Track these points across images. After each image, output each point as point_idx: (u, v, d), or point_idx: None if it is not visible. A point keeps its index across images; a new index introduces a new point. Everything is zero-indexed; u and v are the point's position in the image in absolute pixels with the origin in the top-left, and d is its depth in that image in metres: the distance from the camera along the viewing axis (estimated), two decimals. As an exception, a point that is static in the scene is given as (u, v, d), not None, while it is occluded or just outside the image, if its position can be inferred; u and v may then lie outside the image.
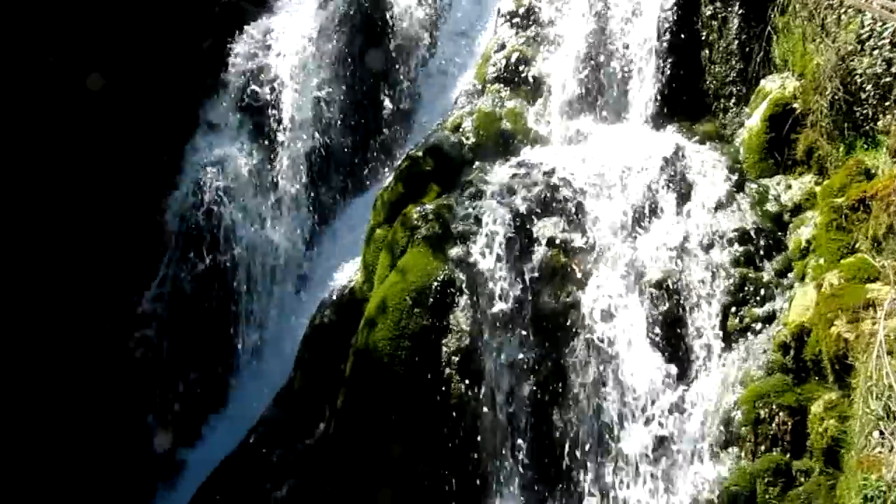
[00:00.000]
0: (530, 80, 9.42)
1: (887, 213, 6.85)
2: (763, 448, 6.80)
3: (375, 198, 9.15)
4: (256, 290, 10.61)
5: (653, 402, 7.33)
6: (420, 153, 8.90)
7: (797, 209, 7.90)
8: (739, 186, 8.11)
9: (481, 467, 7.55)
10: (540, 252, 7.90)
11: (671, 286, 7.61)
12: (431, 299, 7.80)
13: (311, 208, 10.84)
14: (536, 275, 7.81)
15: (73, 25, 10.73)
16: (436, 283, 7.83)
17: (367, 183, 10.78)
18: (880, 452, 5.69)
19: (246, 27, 11.37)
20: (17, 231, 10.16)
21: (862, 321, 6.39)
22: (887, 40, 7.42)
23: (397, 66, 11.08)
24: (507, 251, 7.89)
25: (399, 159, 9.72)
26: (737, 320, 7.46)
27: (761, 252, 7.71)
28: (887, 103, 7.45)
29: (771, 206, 7.95)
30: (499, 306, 7.76)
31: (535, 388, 7.60)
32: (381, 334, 7.83)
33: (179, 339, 10.36)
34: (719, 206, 7.99)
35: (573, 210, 8.09)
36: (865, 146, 7.57)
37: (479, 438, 7.57)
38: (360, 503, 7.75)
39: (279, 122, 10.89)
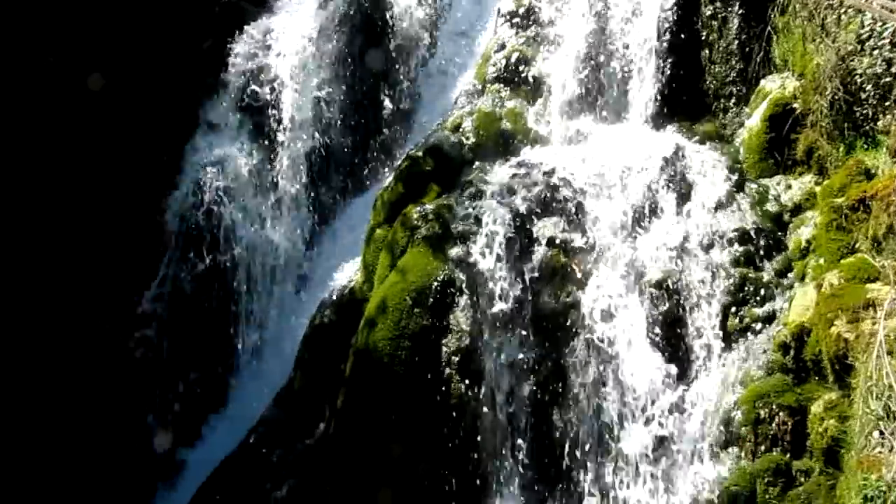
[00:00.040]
0: (530, 80, 9.42)
1: (887, 213, 6.85)
2: (763, 448, 6.80)
3: (375, 198, 9.15)
4: (256, 290, 10.61)
5: (653, 403, 7.33)
6: (420, 153, 8.90)
7: (797, 209, 7.90)
8: (739, 186, 8.11)
9: (481, 467, 7.55)
10: (540, 252, 7.90)
11: (671, 286, 7.61)
12: (431, 299, 7.80)
13: (311, 208, 10.84)
14: (536, 275, 7.81)
15: (74, 25, 10.70)
16: (436, 283, 7.83)
17: (367, 183, 10.78)
18: (880, 452, 5.69)
19: (246, 27, 11.36)
20: (18, 231, 10.15)
21: (862, 321, 6.39)
22: (887, 40, 7.42)
23: (397, 66, 11.08)
24: (507, 251, 7.88)
25: (399, 159, 9.72)
26: (737, 320, 7.46)
27: (761, 252, 7.71)
28: (887, 103, 7.44)
29: (771, 206, 7.95)
30: (499, 306, 7.76)
31: (535, 388, 7.60)
32: (381, 334, 7.83)
33: (179, 339, 10.36)
34: (719, 206, 7.99)
35: (573, 210, 8.09)
36: (865, 146, 7.57)
37: (479, 438, 7.57)
38: (360, 503, 7.75)
39: (279, 121, 10.90)
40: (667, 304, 7.60)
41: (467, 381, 7.62)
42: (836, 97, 7.67)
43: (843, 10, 7.76)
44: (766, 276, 7.58)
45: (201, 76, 11.14)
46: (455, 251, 7.95)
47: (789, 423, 6.74)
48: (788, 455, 6.72)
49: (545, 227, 8.02)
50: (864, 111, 7.60)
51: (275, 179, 10.82)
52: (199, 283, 10.48)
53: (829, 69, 7.68)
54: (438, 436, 7.56)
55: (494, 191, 8.31)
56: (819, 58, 7.84)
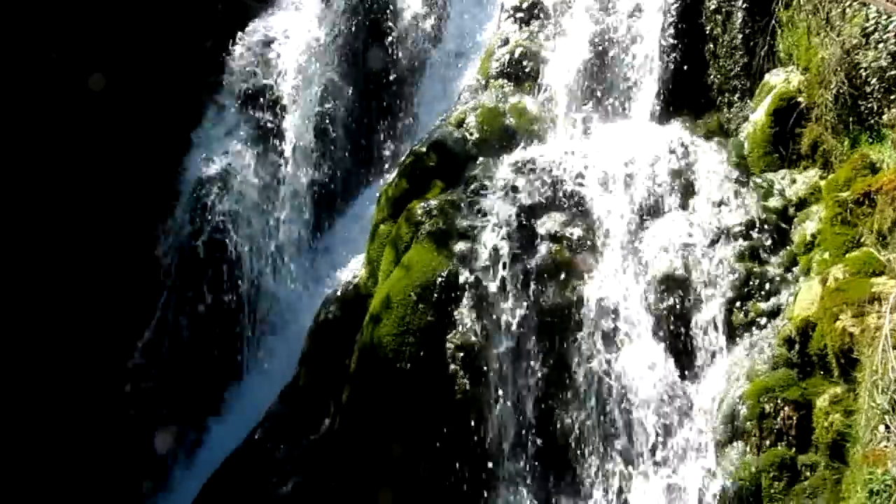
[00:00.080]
0: (534, 75, 9.40)
1: (892, 207, 6.84)
2: (768, 442, 6.79)
3: (379, 194, 9.15)
4: (260, 286, 10.57)
5: (658, 397, 7.32)
6: (424, 149, 8.90)
7: (802, 203, 7.89)
8: (744, 181, 8.09)
9: (486, 463, 7.55)
10: (544, 247, 7.89)
11: (676, 281, 7.60)
12: (436, 295, 7.80)
13: (315, 203, 10.81)
14: (541, 269, 7.81)
15: (77, 22, 10.63)
16: (440, 279, 7.83)
17: (371, 178, 10.77)
18: (886, 447, 5.68)
19: (249, 24, 11.33)
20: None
21: (867, 315, 6.38)
22: (892, 33, 7.40)
23: (401, 60, 11.06)
24: (511, 247, 7.88)
25: (403, 155, 9.71)
26: (742, 315, 7.45)
27: (766, 246, 7.70)
28: (892, 97, 7.43)
29: (776, 201, 7.94)
30: (503, 302, 7.75)
31: (539, 383, 7.60)
32: (386, 330, 7.84)
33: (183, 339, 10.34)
34: (724, 201, 7.98)
35: (577, 205, 8.09)
36: (870, 140, 7.55)
37: (483, 434, 7.57)
38: (365, 499, 7.75)
39: (283, 118, 10.87)
40: (671, 299, 7.60)
41: (472, 377, 7.62)
42: (841, 91, 7.65)
43: (847, 4, 7.74)
44: (770, 271, 7.57)
45: (203, 75, 11.09)
46: (459, 247, 7.95)
47: (794, 418, 6.74)
48: (794, 449, 6.71)
49: (549, 223, 8.01)
50: (869, 105, 7.58)
51: (279, 175, 10.79)
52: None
53: (833, 63, 7.66)
54: (443, 432, 7.56)
55: (498, 186, 8.30)
56: (824, 51, 7.82)
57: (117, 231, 10.35)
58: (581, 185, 8.18)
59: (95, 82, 10.44)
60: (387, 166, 10.53)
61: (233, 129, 11.03)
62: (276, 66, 11.04)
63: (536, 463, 7.55)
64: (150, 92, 10.78)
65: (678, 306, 7.58)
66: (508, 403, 7.59)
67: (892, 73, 7.41)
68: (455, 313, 7.77)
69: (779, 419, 6.79)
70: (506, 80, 9.45)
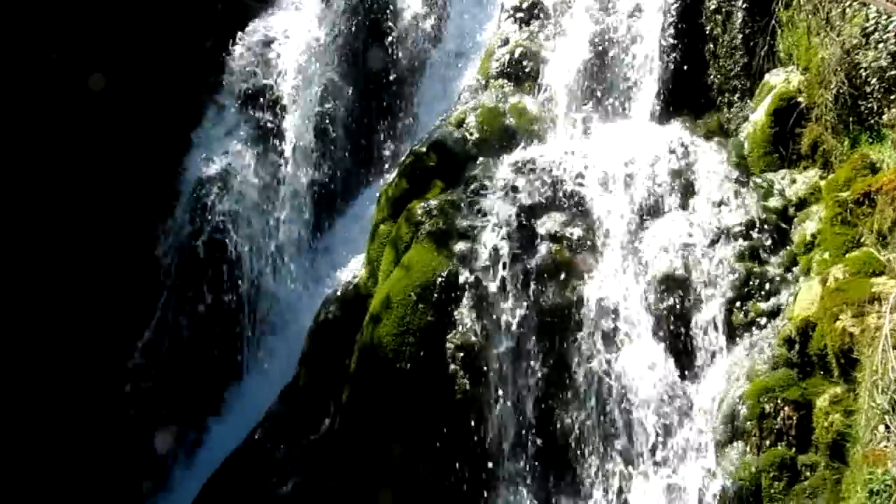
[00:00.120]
0: (534, 75, 9.40)
1: (892, 207, 6.84)
2: (768, 442, 6.79)
3: (379, 194, 9.15)
4: (260, 287, 10.56)
5: (658, 397, 7.32)
6: (424, 149, 8.89)
7: (802, 203, 7.89)
8: (744, 181, 8.09)
9: (486, 463, 7.55)
10: (544, 247, 7.89)
11: (676, 281, 7.60)
12: (436, 295, 7.80)
13: (315, 203, 10.80)
14: (541, 269, 7.80)
15: (77, 22, 10.62)
16: (440, 279, 7.83)
17: (371, 178, 10.76)
18: (886, 447, 5.68)
19: (249, 24, 11.33)
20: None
21: (867, 315, 6.38)
22: (892, 33, 7.40)
23: (401, 60, 11.05)
24: (511, 246, 7.88)
25: (403, 155, 9.70)
26: (742, 315, 7.45)
27: (766, 246, 7.70)
28: (892, 97, 7.43)
29: (776, 201, 7.93)
30: (503, 302, 7.75)
31: (539, 383, 7.60)
32: (386, 330, 7.84)
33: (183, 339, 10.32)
34: (724, 201, 7.98)
35: (577, 205, 8.09)
36: (870, 140, 7.55)
37: (483, 434, 7.57)
38: (365, 499, 7.75)
39: (282, 115, 10.86)
40: (671, 299, 7.60)
41: (472, 377, 7.62)
42: (841, 91, 7.65)
43: (847, 4, 7.74)
44: (770, 271, 7.57)
45: (203, 75, 11.08)
46: (459, 247, 7.95)
47: (794, 418, 6.74)
48: (794, 449, 6.71)
49: (549, 223, 8.01)
50: (869, 105, 7.58)
51: (279, 175, 10.78)
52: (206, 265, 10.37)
53: (833, 63, 7.66)
54: (443, 432, 7.56)
55: (498, 186, 8.30)
56: (824, 51, 7.82)
57: (117, 231, 10.34)
58: (581, 185, 8.18)
59: (95, 82, 10.42)
60: (387, 166, 10.53)
61: (233, 129, 11.02)
62: (276, 66, 11.04)
63: (536, 463, 7.55)
64: (150, 92, 10.76)
65: (678, 306, 7.58)
66: (508, 403, 7.59)
67: (892, 73, 7.41)
68: (455, 313, 7.77)
69: (779, 419, 6.79)
70: (506, 80, 9.44)
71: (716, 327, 7.48)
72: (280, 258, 10.66)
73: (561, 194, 8.14)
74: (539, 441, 7.53)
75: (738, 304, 7.50)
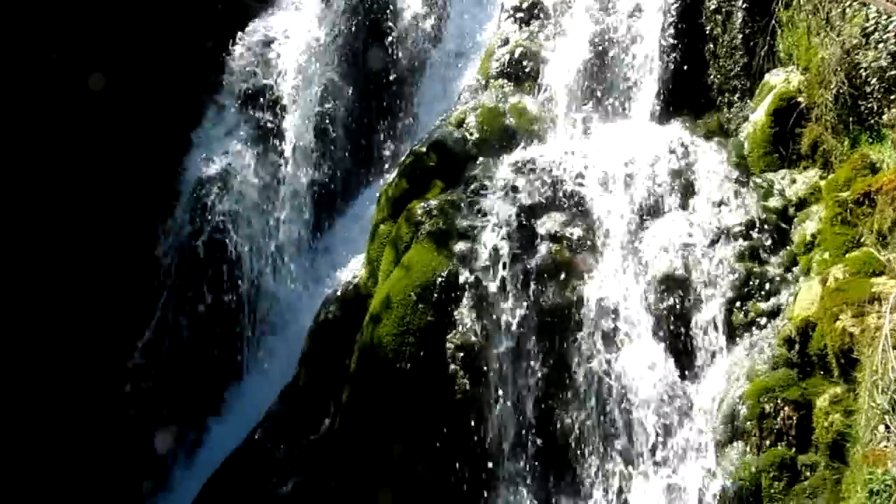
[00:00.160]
0: (534, 75, 9.40)
1: (892, 207, 6.85)
2: (768, 442, 6.79)
3: (379, 194, 9.15)
4: (260, 287, 10.55)
5: (658, 397, 7.32)
6: (424, 149, 8.89)
7: (802, 203, 7.89)
8: (744, 181, 8.09)
9: (486, 463, 7.55)
10: (544, 247, 7.89)
11: (676, 281, 7.60)
12: (436, 295, 7.80)
13: (315, 204, 10.79)
14: (541, 269, 7.80)
15: (77, 22, 10.61)
16: (440, 279, 7.83)
17: (371, 179, 10.76)
18: (886, 447, 5.68)
19: (249, 24, 11.32)
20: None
21: (867, 315, 6.38)
22: (892, 34, 7.40)
23: (401, 60, 11.05)
24: (511, 246, 7.88)
25: (403, 155, 9.70)
26: (742, 315, 7.45)
27: (766, 246, 7.70)
28: (892, 97, 7.43)
29: (776, 201, 7.93)
30: (503, 302, 7.75)
31: (539, 383, 7.60)
32: (386, 330, 7.84)
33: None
34: (724, 201, 7.98)
35: (577, 205, 8.09)
36: (870, 140, 7.55)
37: (483, 434, 7.57)
38: (365, 499, 7.75)
39: (282, 115, 10.85)
40: (671, 299, 7.60)
41: (472, 377, 7.62)
42: (841, 91, 7.65)
43: (847, 4, 7.74)
44: (770, 271, 7.57)
45: (203, 75, 11.06)
46: (459, 247, 7.95)
47: (794, 418, 6.74)
48: (793, 449, 6.71)
49: (549, 223, 8.01)
50: (869, 105, 7.58)
51: (279, 175, 10.77)
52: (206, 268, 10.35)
53: (833, 63, 7.66)
54: (443, 432, 7.56)
55: (498, 186, 8.30)
56: (824, 51, 7.82)
57: (118, 230, 10.33)
58: (581, 185, 8.18)
59: (95, 82, 10.40)
60: (387, 166, 10.53)
61: (233, 129, 11.01)
62: (277, 65, 11.03)
63: (536, 463, 7.55)
64: (151, 92, 10.75)
65: (678, 306, 7.58)
66: (508, 403, 7.59)
67: (892, 73, 7.41)
68: (455, 313, 7.77)
69: (779, 419, 6.79)
70: (506, 80, 9.44)
71: (716, 327, 7.48)
72: (280, 258, 10.65)
73: (561, 194, 8.14)
74: (539, 441, 7.53)
75: (738, 304, 7.50)
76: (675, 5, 8.94)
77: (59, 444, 9.67)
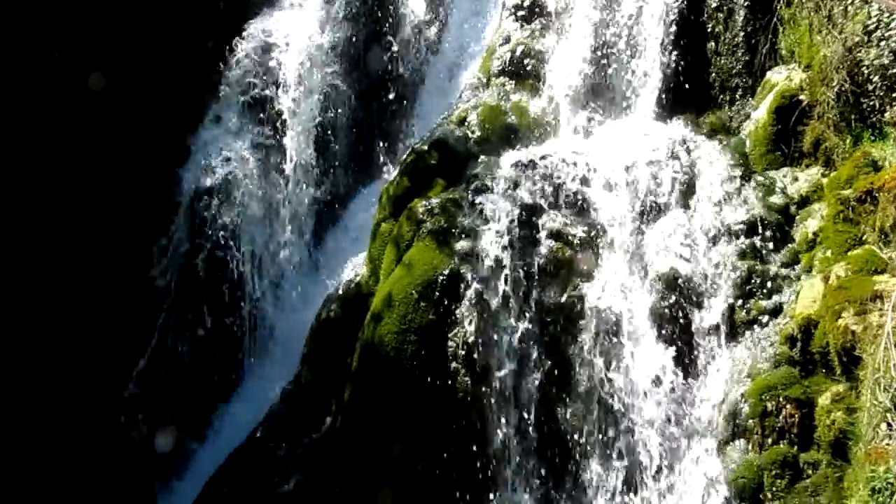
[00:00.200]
0: (536, 73, 9.39)
1: (894, 205, 6.83)
2: (770, 440, 6.79)
3: (381, 192, 9.14)
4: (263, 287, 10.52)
5: (659, 396, 7.32)
6: (425, 147, 8.89)
7: (804, 201, 7.88)
8: (746, 179, 8.08)
9: (487, 462, 7.55)
10: (546, 245, 7.89)
11: (678, 279, 7.59)
12: (437, 293, 7.80)
13: (317, 203, 10.78)
14: (542, 268, 7.80)
15: (79, 20, 10.56)
16: (441, 277, 7.82)
17: (373, 177, 10.74)
18: (888, 444, 5.68)
19: (250, 22, 11.29)
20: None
21: (869, 313, 6.38)
22: (894, 31, 7.39)
23: (403, 60, 11.03)
24: (512, 245, 7.87)
25: (404, 153, 9.69)
26: (744, 313, 7.44)
27: (768, 244, 7.69)
28: (894, 94, 7.42)
29: (778, 199, 7.92)
30: (505, 300, 7.75)
31: (541, 381, 7.59)
32: (387, 328, 7.83)
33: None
34: (726, 199, 7.97)
35: (579, 203, 8.08)
36: (872, 138, 7.54)
37: (485, 432, 7.56)
38: (366, 498, 7.75)
39: (283, 116, 10.83)
40: (673, 298, 7.59)
41: (474, 375, 7.61)
42: (843, 89, 7.64)
43: (849, 1, 7.74)
44: (772, 269, 7.56)
45: (205, 74, 11.02)
46: (461, 245, 7.94)
47: (796, 416, 6.73)
48: (796, 447, 6.71)
49: (551, 221, 8.01)
50: (871, 102, 7.57)
51: (281, 166, 10.71)
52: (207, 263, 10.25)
53: (835, 60, 7.66)
54: (443, 432, 7.55)
55: (500, 184, 8.29)
56: (826, 49, 7.81)
57: (118, 229, 10.23)
58: (583, 183, 8.18)
59: (95, 82, 10.32)
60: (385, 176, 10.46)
61: (234, 131, 10.97)
62: (277, 64, 11.00)
63: (537, 462, 7.54)
64: (151, 92, 10.65)
65: (680, 304, 7.57)
66: (510, 402, 7.58)
67: (894, 70, 7.40)
68: (457, 311, 7.77)
69: (781, 417, 6.79)
70: (507, 79, 9.43)
71: (718, 325, 7.47)
72: (280, 258, 10.63)
73: (562, 193, 8.14)
74: (542, 438, 7.52)
75: (739, 302, 7.49)
76: (677, 4, 8.93)
77: (62, 440, 9.57)
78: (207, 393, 9.95)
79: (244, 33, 11.17)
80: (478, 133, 8.92)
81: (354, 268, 9.05)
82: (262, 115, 10.86)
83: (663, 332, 7.52)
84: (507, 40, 9.64)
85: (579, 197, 8.12)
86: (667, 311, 7.56)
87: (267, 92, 10.89)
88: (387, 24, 11.00)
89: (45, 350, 9.64)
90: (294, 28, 11.14)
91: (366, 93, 11.01)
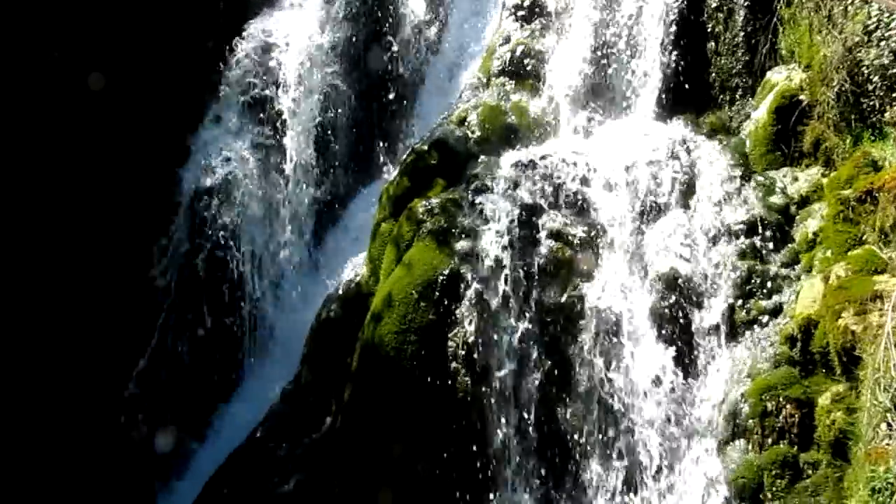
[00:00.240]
0: (535, 73, 9.39)
1: (895, 205, 6.83)
2: (770, 440, 6.79)
3: (381, 192, 9.14)
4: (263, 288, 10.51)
5: (659, 396, 7.31)
6: (425, 147, 8.89)
7: (804, 201, 7.88)
8: (746, 179, 8.08)
9: (487, 462, 7.55)
10: (546, 246, 7.89)
11: (678, 279, 7.59)
12: (437, 293, 7.80)
13: (316, 203, 10.77)
14: (542, 268, 7.80)
15: (79, 20, 10.55)
16: (441, 277, 7.82)
17: (373, 177, 10.74)
18: (888, 444, 5.68)
19: (250, 22, 11.29)
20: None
21: (869, 313, 6.38)
22: (894, 31, 7.39)
23: (403, 60, 11.03)
24: (512, 245, 7.87)
25: (404, 153, 9.69)
26: (744, 313, 7.44)
27: (768, 244, 7.69)
28: (894, 94, 7.42)
29: (778, 199, 7.92)
30: (505, 300, 7.75)
31: (541, 381, 7.59)
32: (388, 328, 7.84)
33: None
34: (726, 199, 7.97)
35: (579, 203, 8.08)
36: (872, 138, 7.54)
37: (485, 432, 7.56)
38: (366, 498, 7.75)
39: (283, 116, 10.82)
40: (673, 298, 7.59)
41: (474, 375, 7.61)
42: (843, 89, 7.64)
43: (849, 1, 7.74)
44: (772, 269, 7.56)
45: (205, 74, 11.00)
46: (461, 245, 7.94)
47: (797, 416, 6.73)
48: (796, 447, 6.71)
49: (551, 221, 8.01)
50: (872, 102, 7.57)
51: (281, 166, 10.70)
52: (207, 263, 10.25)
53: (835, 60, 7.66)
54: (443, 432, 7.55)
55: (500, 185, 8.29)
56: (826, 49, 7.81)
57: (118, 230, 10.21)
58: (583, 183, 8.18)
59: (95, 82, 10.30)
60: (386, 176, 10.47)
61: (234, 131, 10.97)
62: (277, 63, 10.99)
63: (537, 462, 7.54)
64: (151, 92, 10.64)
65: (680, 304, 7.57)
66: (510, 402, 7.58)
67: (894, 70, 7.40)
68: (457, 311, 7.77)
69: (781, 417, 6.79)
70: (507, 78, 9.43)
71: (718, 325, 7.47)
72: (280, 258, 10.62)
73: (562, 192, 8.14)
74: (542, 438, 7.52)
75: (739, 302, 7.49)
76: (677, 3, 8.93)
77: (63, 440, 9.55)
78: (207, 393, 9.98)
79: (244, 33, 11.17)
80: (478, 133, 8.92)
81: (354, 268, 9.06)
82: (262, 115, 10.85)
83: (663, 332, 7.51)
84: (507, 40, 9.64)
85: (579, 197, 8.12)
86: (667, 311, 7.56)
87: (267, 92, 10.88)
88: (387, 24, 10.99)
89: (45, 350, 9.66)
90: (294, 28, 11.12)
91: (366, 93, 11.01)
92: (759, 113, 8.42)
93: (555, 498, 7.49)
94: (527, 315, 7.73)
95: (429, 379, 7.65)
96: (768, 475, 6.71)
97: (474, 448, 7.55)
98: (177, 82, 10.78)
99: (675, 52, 8.87)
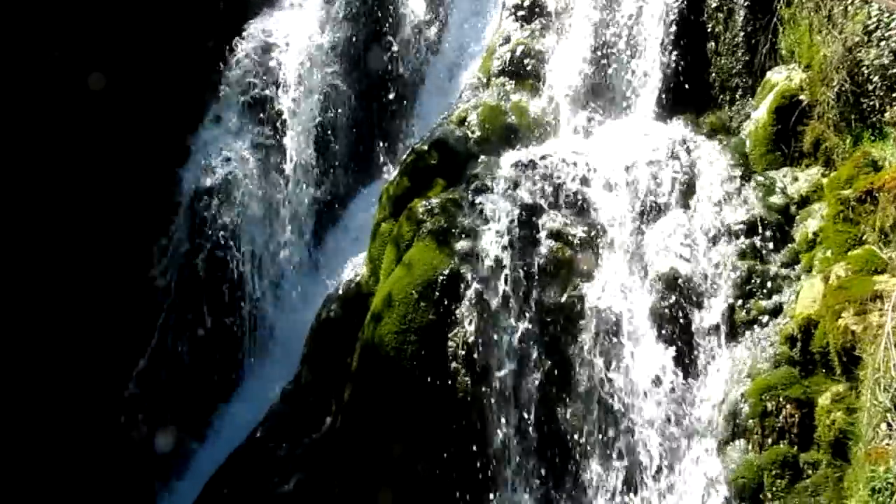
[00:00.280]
0: (535, 73, 9.39)
1: (895, 205, 6.83)
2: (770, 440, 6.79)
3: (381, 192, 9.14)
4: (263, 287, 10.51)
5: (659, 396, 7.31)
6: (425, 147, 8.89)
7: (804, 201, 7.88)
8: (746, 179, 8.08)
9: (487, 462, 7.55)
10: (546, 246, 7.89)
11: (678, 279, 7.59)
12: (437, 293, 7.80)
13: (317, 203, 10.77)
14: (542, 268, 7.80)
15: (80, 20, 10.54)
16: (441, 277, 7.82)
17: (373, 177, 10.74)
18: (888, 444, 5.68)
19: (250, 22, 11.28)
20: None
21: (869, 313, 6.38)
22: (894, 31, 7.39)
23: (403, 60, 11.03)
24: (512, 245, 7.88)
25: (404, 153, 9.69)
26: (743, 313, 7.45)
27: (768, 244, 7.69)
28: (894, 94, 7.42)
29: (778, 199, 7.92)
30: (505, 300, 7.75)
31: (541, 381, 7.59)
32: (387, 328, 7.84)
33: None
34: (726, 199, 7.97)
35: (579, 203, 8.08)
36: (872, 138, 7.54)
37: (485, 432, 7.56)
38: (366, 498, 7.75)
39: (283, 117, 10.82)
40: (673, 298, 7.59)
41: (474, 375, 7.61)
42: (843, 89, 7.64)
43: (849, 1, 7.74)
44: (772, 269, 7.56)
45: (205, 74, 11.00)
46: (461, 245, 7.94)
47: (797, 416, 6.73)
48: (796, 447, 6.71)
49: (551, 221, 8.01)
50: (872, 102, 7.57)
51: (281, 166, 10.70)
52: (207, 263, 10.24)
53: (835, 60, 7.66)
54: (443, 432, 7.55)
55: (500, 185, 8.29)
56: (826, 49, 7.82)
57: (118, 230, 10.21)
58: (583, 183, 8.18)
59: (95, 82, 10.31)
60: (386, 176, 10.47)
61: (234, 131, 10.96)
62: (277, 63, 10.99)
63: (537, 462, 7.54)
64: (151, 92, 10.64)
65: (680, 304, 7.57)
66: (510, 402, 7.58)
67: (894, 70, 7.40)
68: (457, 311, 7.77)
69: (781, 417, 6.79)
70: (507, 79, 9.43)
71: (718, 325, 7.47)
72: (280, 258, 10.61)
73: (562, 193, 8.14)
74: (542, 438, 7.52)
75: (739, 302, 7.49)
76: (677, 3, 8.93)
77: (64, 440, 9.56)
78: (207, 393, 9.98)
79: (244, 33, 11.16)
80: (478, 133, 8.92)
81: (354, 268, 9.06)
82: (262, 115, 10.86)
83: (663, 332, 7.51)
84: (507, 40, 9.64)
85: (579, 197, 8.12)
86: (667, 311, 7.56)
87: (267, 92, 10.88)
88: (387, 24, 10.99)
89: (45, 350, 9.68)
90: (294, 28, 11.12)
91: (366, 93, 11.01)
92: (759, 113, 8.42)
93: (555, 498, 7.48)
94: (527, 315, 7.72)
95: (429, 379, 7.65)
96: (768, 475, 6.71)
97: (474, 448, 7.54)
98: (177, 82, 10.78)
99: (675, 52, 8.87)
